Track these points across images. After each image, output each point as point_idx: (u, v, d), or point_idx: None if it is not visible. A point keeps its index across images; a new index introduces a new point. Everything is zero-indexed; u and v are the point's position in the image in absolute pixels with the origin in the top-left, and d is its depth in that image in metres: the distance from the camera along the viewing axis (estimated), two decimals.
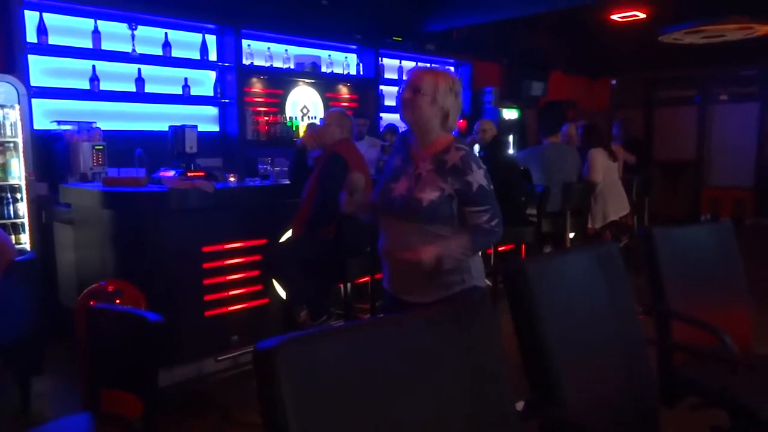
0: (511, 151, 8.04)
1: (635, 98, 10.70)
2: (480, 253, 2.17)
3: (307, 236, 3.41)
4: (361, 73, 6.95)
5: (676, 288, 2.22)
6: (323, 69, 6.56)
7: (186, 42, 5.49)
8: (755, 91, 9.59)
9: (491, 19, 6.97)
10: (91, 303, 2.70)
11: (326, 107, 6.68)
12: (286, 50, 6.26)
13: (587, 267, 1.57)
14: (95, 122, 4.62)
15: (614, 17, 7.93)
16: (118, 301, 2.92)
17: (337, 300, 3.67)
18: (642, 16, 7.73)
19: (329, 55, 6.66)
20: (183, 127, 4.02)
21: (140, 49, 5.05)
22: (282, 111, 6.30)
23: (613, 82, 10.96)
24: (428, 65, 7.84)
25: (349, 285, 3.46)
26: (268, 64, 6.07)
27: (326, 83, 6.72)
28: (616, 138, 7.34)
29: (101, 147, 4.38)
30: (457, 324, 1.08)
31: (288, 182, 3.83)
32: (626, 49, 9.38)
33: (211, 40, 5.68)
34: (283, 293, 3.61)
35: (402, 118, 2.15)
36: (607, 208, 5.44)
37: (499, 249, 4.93)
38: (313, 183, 3.40)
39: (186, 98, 5.44)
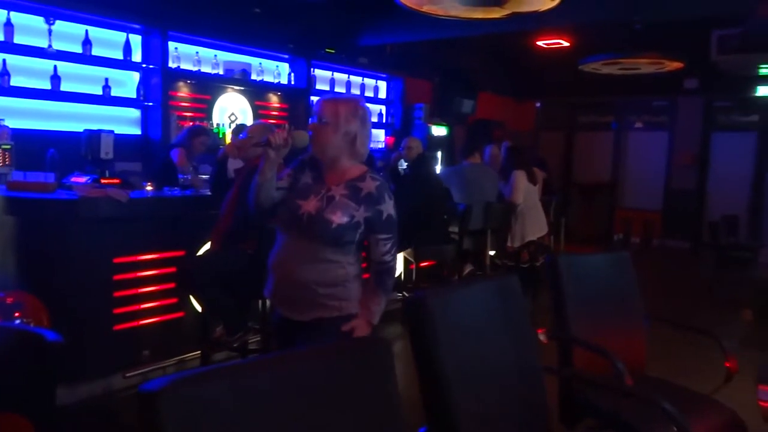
0: (439, 167, 8.20)
1: (558, 121, 11.18)
2: (361, 280, 2.21)
3: (226, 250, 3.34)
4: (293, 82, 6.91)
5: (579, 314, 2.33)
6: (253, 77, 6.48)
7: (108, 41, 5.29)
8: (665, 121, 10.24)
9: (424, 38, 7.12)
10: None
11: (255, 115, 6.60)
12: (216, 55, 6.14)
13: (488, 298, 1.63)
14: (3, 119, 4.35)
15: (540, 44, 8.30)
16: (17, 315, 2.76)
17: (255, 315, 3.61)
18: (566, 44, 8.13)
19: (260, 63, 6.59)
20: (99, 132, 3.85)
21: (57, 45, 4.82)
22: (209, 117, 6.16)
23: (538, 104, 11.41)
24: (360, 79, 7.92)
25: (267, 300, 3.42)
26: (195, 69, 5.94)
27: (256, 91, 6.64)
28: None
29: (9, 146, 4.12)
30: (351, 361, 1.09)
31: (209, 193, 3.74)
32: (551, 74, 9.82)
33: (136, 40, 5.49)
34: (199, 307, 3.52)
35: (311, 149, 2.19)
36: (525, 229, 5.63)
37: (421, 265, 5.01)
38: (233, 196, 3.33)
39: (106, 99, 5.23)
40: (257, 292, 3.34)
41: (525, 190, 5.57)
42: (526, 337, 1.71)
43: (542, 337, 2.26)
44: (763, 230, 8.89)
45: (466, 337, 1.51)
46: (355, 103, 2.17)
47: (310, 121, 2.18)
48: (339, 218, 2.06)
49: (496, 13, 4.83)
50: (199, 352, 3.57)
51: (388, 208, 2.12)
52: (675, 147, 10.03)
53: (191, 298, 3.68)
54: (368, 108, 2.24)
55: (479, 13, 4.88)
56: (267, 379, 1.00)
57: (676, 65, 7.26)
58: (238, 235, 3.28)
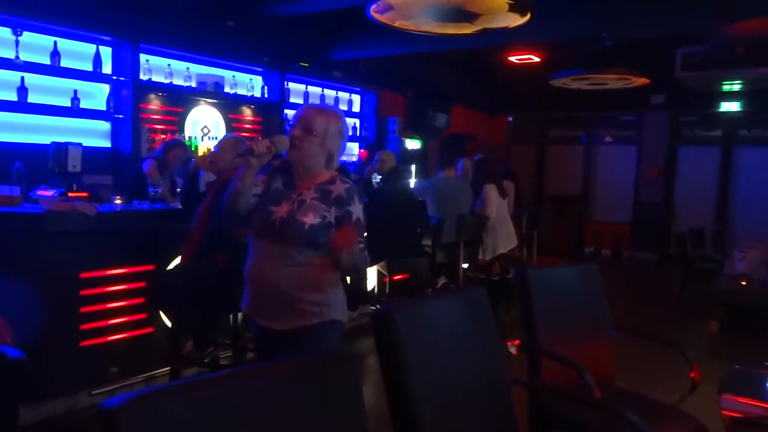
0: (413, 180, 8.25)
1: (529, 135, 11.36)
2: (341, 286, 2.22)
3: (197, 264, 3.30)
4: (266, 95, 6.90)
5: (548, 326, 2.36)
6: (227, 89, 6.45)
7: (77, 52, 5.21)
8: (633, 135, 10.48)
9: (397, 52, 7.18)
10: None
11: (229, 128, 6.56)
12: (188, 68, 6.10)
13: (456, 311, 1.65)
14: None
15: (512, 59, 8.44)
16: None
17: (226, 330, 3.57)
18: (536, 60, 8.29)
19: (233, 76, 6.56)
20: (66, 144, 3.79)
21: (25, 57, 4.74)
22: (181, 130, 6.11)
23: (510, 118, 11.58)
24: (334, 92, 7.95)
25: (239, 315, 3.39)
26: (167, 81, 5.88)
27: (229, 104, 6.60)
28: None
29: None
30: (317, 375, 1.09)
31: (179, 206, 3.70)
32: (522, 89, 9.98)
33: (106, 52, 5.43)
34: (169, 322, 3.47)
35: (288, 156, 2.18)
36: (497, 242, 5.69)
37: (395, 278, 5.02)
38: (205, 209, 3.31)
39: (75, 111, 5.15)
40: (229, 306, 3.33)
41: (496, 204, 5.64)
42: (494, 350, 1.73)
43: (512, 349, 2.28)
44: (727, 242, 9.12)
45: (434, 350, 1.52)
46: (340, 118, 2.21)
47: (290, 127, 2.18)
48: (311, 219, 2.08)
49: (467, 29, 4.91)
50: (168, 368, 3.51)
51: (357, 210, 2.14)
52: (643, 161, 10.26)
53: (161, 313, 3.63)
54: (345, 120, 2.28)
55: (451, 29, 4.96)
56: (231, 395, 0.99)
57: (643, 81, 7.46)
58: (209, 249, 3.25)
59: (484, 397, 1.64)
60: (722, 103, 9.31)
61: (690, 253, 7.11)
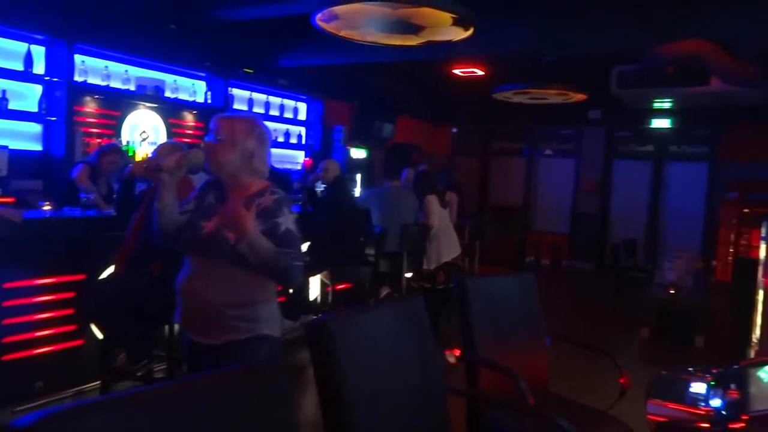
0: (358, 190, 8.26)
1: (473, 147, 11.58)
2: (275, 301, 2.18)
3: (131, 273, 3.19)
4: (209, 101, 6.77)
5: (486, 335, 2.40)
6: (168, 94, 6.29)
7: (7, 50, 4.98)
8: (572, 148, 10.84)
9: (344, 61, 7.18)
10: None
11: (169, 134, 6.40)
12: (127, 70, 5.91)
13: (393, 321, 1.65)
14: None
15: (456, 72, 8.59)
16: None
17: (161, 341, 3.46)
18: (480, 73, 8.46)
19: (175, 80, 6.41)
20: None
21: None
22: (118, 134, 5.91)
23: (454, 130, 11.77)
24: (279, 100, 7.88)
25: (175, 326, 3.29)
26: (104, 83, 5.69)
27: (170, 109, 6.44)
28: (440, 182, 7.85)
29: None
30: (247, 389, 1.07)
31: (113, 213, 3.57)
32: (466, 101, 10.17)
33: (39, 51, 5.20)
34: (100, 334, 3.33)
35: (207, 167, 2.16)
36: (440, 251, 5.76)
37: (338, 287, 5.00)
38: (140, 217, 3.20)
39: (3, 112, 4.91)
40: (164, 316, 3.23)
41: (437, 213, 5.71)
42: (431, 359, 1.74)
43: (451, 359, 2.30)
44: (658, 253, 9.53)
45: (370, 360, 1.52)
46: (252, 121, 2.17)
47: (205, 139, 2.14)
48: None
49: (412, 41, 4.97)
50: (99, 382, 3.37)
51: (287, 222, 2.07)
52: (581, 173, 10.62)
53: (92, 324, 3.48)
54: (266, 126, 2.24)
55: (396, 40, 5.00)
56: (156, 411, 0.95)
57: (580, 97, 7.73)
58: (145, 257, 3.15)
59: (420, 407, 1.65)
60: (654, 120, 9.76)
61: (623, 263, 7.40)
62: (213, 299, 2.06)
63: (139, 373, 3.25)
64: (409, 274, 5.58)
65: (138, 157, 5.81)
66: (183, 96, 6.50)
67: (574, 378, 4.10)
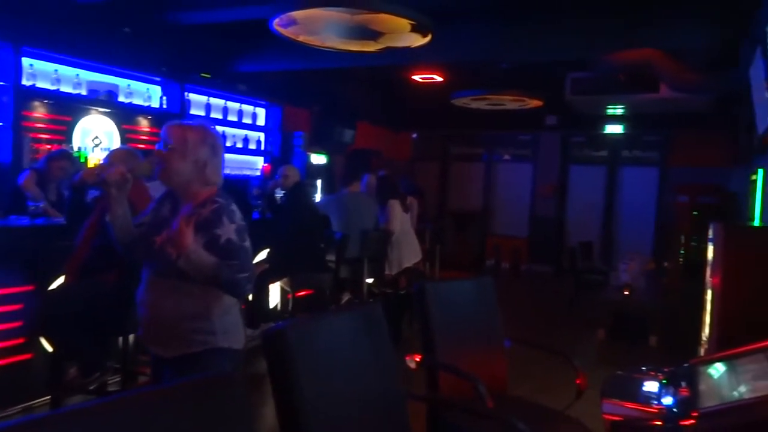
0: (318, 195, 8.21)
1: (432, 152, 11.67)
2: (235, 313, 2.13)
3: (83, 283, 3.10)
4: (165, 106, 6.63)
5: (445, 339, 2.41)
6: (121, 98, 6.14)
7: None
8: (529, 154, 11.05)
9: (302, 67, 7.15)
10: None
11: (123, 140, 6.24)
12: (78, 75, 5.75)
13: (351, 328, 1.64)
14: None
15: (416, 78, 8.65)
16: None
17: (115, 353, 3.36)
18: (439, 79, 8.55)
19: (129, 85, 6.26)
20: None
21: None
22: (69, 140, 5.73)
23: (414, 135, 11.85)
24: (237, 105, 7.79)
25: (129, 337, 3.20)
26: (54, 88, 5.52)
27: (124, 114, 6.28)
28: (401, 187, 7.91)
29: None
30: (199, 400, 1.04)
31: (64, 222, 3.46)
32: (426, 107, 10.25)
33: None
34: (50, 347, 3.21)
35: (158, 177, 2.11)
36: (402, 256, 5.76)
37: (298, 294, 4.95)
38: (91, 225, 3.11)
39: None
40: (118, 327, 3.14)
41: (399, 219, 5.72)
42: (390, 365, 1.74)
43: (411, 364, 2.31)
44: (613, 255, 9.79)
45: (328, 368, 1.50)
46: (204, 130, 2.10)
47: (156, 148, 2.09)
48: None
49: (371, 47, 4.99)
50: (49, 397, 3.25)
51: (228, 231, 1.98)
52: (538, 178, 10.83)
53: (41, 337, 3.35)
54: (218, 134, 2.18)
55: (355, 46, 5.02)
56: (108, 425, 0.92)
57: (536, 103, 7.90)
58: (97, 266, 3.06)
59: (379, 413, 1.64)
60: (607, 126, 10.03)
61: (580, 266, 7.57)
62: (168, 312, 2.03)
63: (92, 387, 3.15)
64: (370, 280, 5.57)
65: (90, 164, 5.65)
66: (137, 101, 6.36)
67: (533, 379, 4.16)
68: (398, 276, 5.82)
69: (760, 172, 4.00)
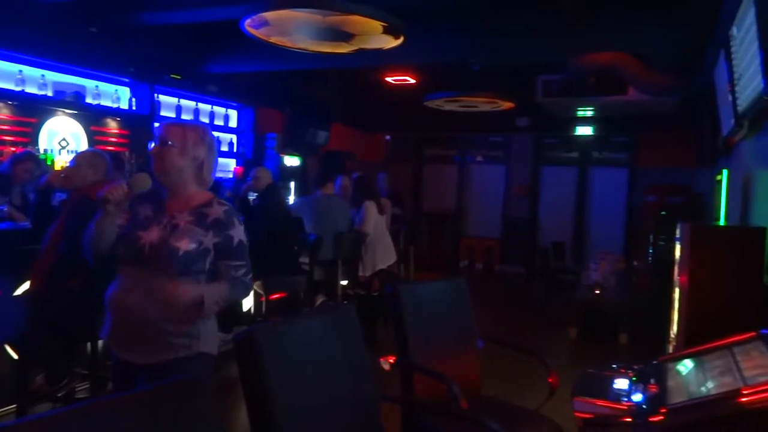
0: (292, 198, 8.17)
1: (406, 154, 11.70)
2: (214, 318, 2.11)
3: (49, 289, 3.02)
4: (134, 108, 6.52)
5: (419, 340, 2.41)
6: (89, 100, 6.02)
7: None
8: (502, 155, 11.15)
9: (274, 68, 7.10)
10: None
11: (91, 142, 6.12)
12: (43, 75, 5.62)
13: (323, 331, 1.63)
14: None
15: (389, 80, 8.67)
16: None
17: (83, 359, 3.29)
18: (412, 81, 8.58)
19: (96, 86, 6.15)
20: None
21: None
22: (35, 142, 5.60)
23: (387, 137, 11.87)
24: (209, 107, 7.70)
25: (98, 342, 3.13)
26: (19, 89, 5.39)
27: (92, 116, 6.16)
28: (381, 190, 7.95)
29: None
30: (170, 408, 1.02)
31: (29, 225, 3.38)
32: (399, 108, 10.27)
33: None
34: (15, 354, 3.13)
35: (154, 173, 2.07)
36: (376, 258, 5.77)
37: (272, 297, 4.91)
38: (58, 229, 3.04)
39: None
40: (86, 333, 3.07)
41: (374, 220, 5.72)
42: (363, 367, 1.73)
43: (385, 366, 2.30)
44: (584, 255, 9.93)
45: (300, 371, 1.49)
46: (203, 129, 2.12)
47: (150, 146, 2.07)
48: (186, 245, 1.95)
49: (343, 48, 4.97)
50: (14, 406, 3.16)
51: (239, 233, 2.06)
52: (511, 179, 10.93)
53: (5, 344, 3.27)
54: (215, 135, 2.20)
55: (327, 47, 4.99)
56: None
57: (509, 105, 7.98)
58: (63, 271, 2.99)
59: (353, 416, 1.63)
60: (578, 127, 10.18)
61: (552, 266, 7.66)
62: (149, 314, 1.95)
63: (60, 394, 3.08)
64: (344, 282, 5.56)
65: (57, 166, 5.53)
66: (105, 102, 6.24)
67: (506, 379, 4.20)
68: (372, 278, 5.82)
69: (725, 172, 4.11)
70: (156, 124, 6.66)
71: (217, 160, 2.18)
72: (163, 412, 1.02)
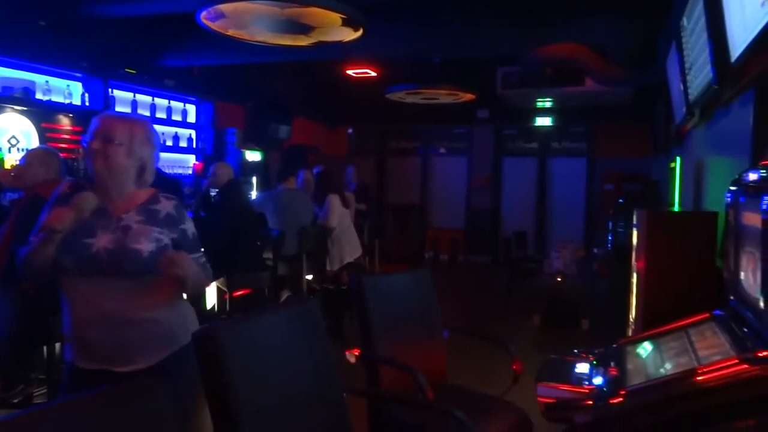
0: (254, 193, 8.07)
1: (369, 146, 11.69)
2: (187, 305, 2.08)
3: (1, 292, 2.92)
4: (87, 103, 6.33)
5: (385, 332, 2.42)
6: (39, 96, 5.82)
7: None
8: (464, 147, 11.24)
9: (233, 61, 6.98)
10: None
11: (42, 139, 5.91)
12: None
13: (287, 327, 1.62)
14: None
15: (350, 72, 8.62)
16: None
17: (39, 364, 3.19)
18: (373, 74, 8.55)
19: (47, 81, 5.94)
20: None
21: None
22: None
23: (350, 130, 11.83)
24: (166, 102, 7.53)
25: (56, 346, 3.04)
26: None
27: (43, 112, 5.94)
28: (349, 183, 7.94)
29: None
30: (129, 409, 0.99)
31: None
32: (361, 101, 10.25)
33: None
34: None
35: (90, 170, 1.92)
36: (342, 252, 5.75)
37: (235, 294, 4.85)
38: (8, 230, 2.94)
39: None
40: (41, 337, 2.98)
41: (339, 214, 5.70)
42: (327, 361, 1.72)
43: (351, 359, 2.30)
44: (546, 244, 10.12)
45: (264, 367, 1.47)
46: (149, 127, 2.01)
47: (85, 140, 1.89)
48: (147, 245, 1.86)
49: (302, 41, 4.92)
50: None
51: (191, 226, 2.04)
52: (473, 171, 11.04)
53: None
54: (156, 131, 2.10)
55: (286, 40, 4.94)
56: None
57: (469, 97, 8.03)
58: (14, 274, 2.88)
59: (317, 411, 1.62)
60: (537, 118, 10.34)
61: (515, 255, 7.77)
62: (135, 314, 1.85)
63: (16, 400, 2.99)
64: (309, 276, 5.53)
65: (6, 165, 5.33)
66: (57, 98, 6.03)
67: (472, 368, 4.24)
68: (340, 271, 5.80)
69: (678, 159, 4.23)
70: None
71: (158, 157, 2.06)
72: (123, 414, 0.99)
